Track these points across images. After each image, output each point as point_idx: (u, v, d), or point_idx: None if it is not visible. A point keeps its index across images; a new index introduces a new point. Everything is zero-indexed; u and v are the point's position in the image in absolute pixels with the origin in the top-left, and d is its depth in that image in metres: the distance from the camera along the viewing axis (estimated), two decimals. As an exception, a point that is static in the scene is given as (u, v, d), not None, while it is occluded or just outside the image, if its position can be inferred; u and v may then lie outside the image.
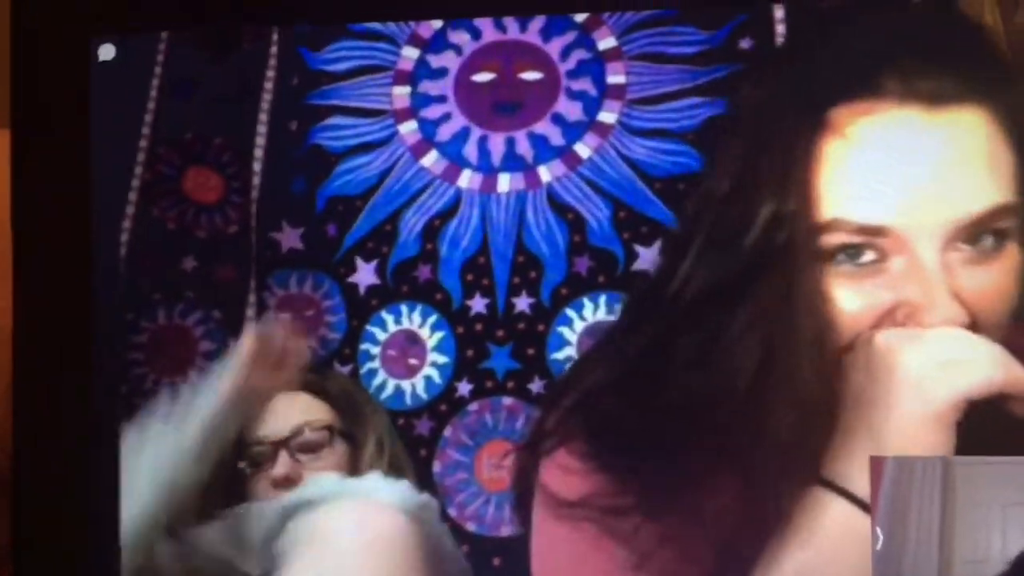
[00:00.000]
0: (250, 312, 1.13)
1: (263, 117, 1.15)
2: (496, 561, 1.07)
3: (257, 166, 1.14)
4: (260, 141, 1.15)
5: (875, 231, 0.79)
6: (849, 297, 0.81)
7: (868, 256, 0.79)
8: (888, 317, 0.80)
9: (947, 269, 0.78)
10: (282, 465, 1.09)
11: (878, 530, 0.95)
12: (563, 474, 0.91)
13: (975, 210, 0.78)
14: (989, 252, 0.79)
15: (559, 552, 0.92)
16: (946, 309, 0.78)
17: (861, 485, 0.83)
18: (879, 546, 0.95)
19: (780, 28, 1.08)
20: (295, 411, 1.12)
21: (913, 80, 0.78)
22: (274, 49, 1.15)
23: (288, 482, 1.09)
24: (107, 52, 1.14)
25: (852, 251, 0.80)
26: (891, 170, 0.78)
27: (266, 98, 1.15)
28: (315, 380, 1.12)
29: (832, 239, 0.81)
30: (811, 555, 0.82)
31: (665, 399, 0.87)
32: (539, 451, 0.95)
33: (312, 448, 1.10)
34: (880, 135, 0.78)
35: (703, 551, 0.85)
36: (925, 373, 0.77)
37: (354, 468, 1.10)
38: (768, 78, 0.91)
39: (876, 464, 0.95)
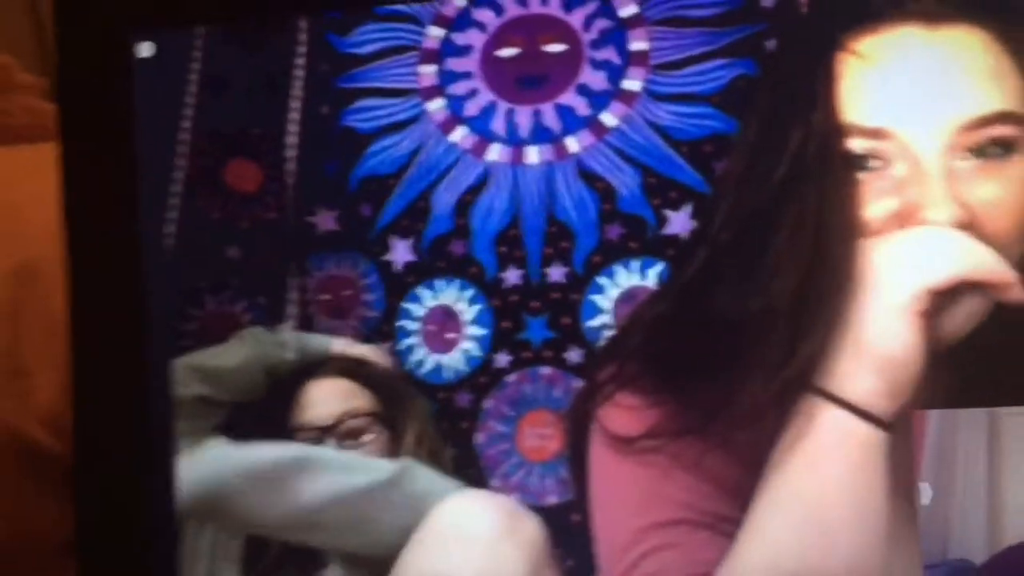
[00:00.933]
0: (292, 295, 1.16)
1: (295, 104, 1.17)
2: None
3: (291, 152, 1.17)
4: (293, 128, 1.17)
5: (878, 133, 0.83)
6: (863, 207, 0.83)
7: (873, 163, 0.82)
8: (894, 222, 0.82)
9: (950, 174, 0.81)
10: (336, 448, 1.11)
11: (926, 485, 0.94)
12: (624, 412, 0.93)
13: (977, 113, 0.82)
14: (995, 162, 0.81)
15: (628, 489, 0.93)
16: (944, 208, 0.80)
17: (849, 388, 0.83)
18: (927, 501, 0.94)
19: (802, -19, 1.07)
20: (338, 398, 1.14)
21: (908, 3, 0.82)
22: (303, 37, 1.17)
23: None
24: (146, 50, 1.18)
25: (860, 160, 0.83)
26: (896, 80, 0.83)
27: (297, 85, 1.17)
28: (355, 365, 1.14)
29: (848, 145, 0.84)
30: (808, 462, 0.83)
31: (713, 320, 0.90)
32: (597, 400, 0.97)
33: (356, 435, 1.12)
34: (886, 51, 0.84)
35: (749, 469, 0.87)
36: (889, 268, 0.79)
37: (393, 455, 1.12)
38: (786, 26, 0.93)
39: (918, 418, 0.94)
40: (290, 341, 1.13)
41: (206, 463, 1.08)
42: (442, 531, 1.00)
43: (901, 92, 0.83)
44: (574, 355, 1.09)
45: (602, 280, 1.10)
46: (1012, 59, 0.83)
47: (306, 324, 1.16)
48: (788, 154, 0.87)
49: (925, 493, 0.94)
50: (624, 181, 1.10)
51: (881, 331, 0.81)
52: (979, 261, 0.80)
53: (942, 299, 0.80)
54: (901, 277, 0.80)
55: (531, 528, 1.00)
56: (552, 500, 1.08)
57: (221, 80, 1.18)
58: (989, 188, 0.81)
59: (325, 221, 1.16)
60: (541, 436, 1.10)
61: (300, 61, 1.18)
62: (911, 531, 0.91)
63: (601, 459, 0.95)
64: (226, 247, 1.18)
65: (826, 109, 0.86)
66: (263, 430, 1.13)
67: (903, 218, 0.82)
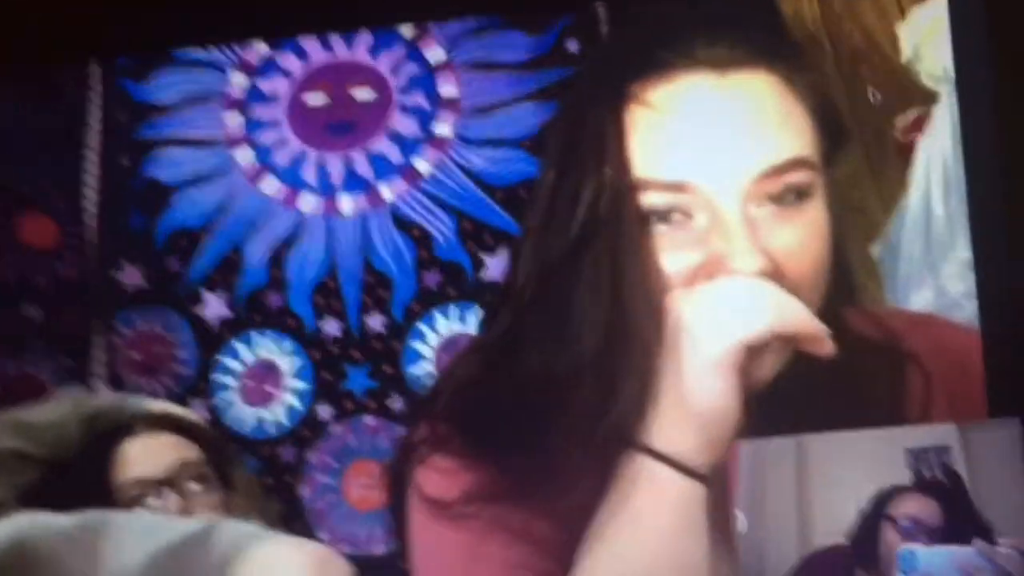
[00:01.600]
0: (99, 354, 1.11)
1: (91, 156, 1.12)
2: (372, 580, 1.08)
3: (90, 206, 1.12)
4: (91, 181, 1.12)
5: (678, 187, 0.83)
6: (665, 260, 0.84)
7: (675, 216, 0.83)
8: (700, 273, 0.84)
9: (749, 222, 0.81)
10: (173, 503, 1.08)
11: (740, 514, 0.98)
12: (440, 476, 0.91)
13: (773, 162, 0.83)
14: (791, 209, 0.84)
15: (447, 553, 0.93)
16: (747, 257, 0.81)
17: (669, 444, 0.86)
18: (744, 529, 0.99)
19: (605, 29, 1.09)
20: (167, 451, 1.10)
21: (697, 51, 0.83)
22: (97, 84, 1.12)
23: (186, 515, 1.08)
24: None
25: (662, 214, 0.84)
26: (689, 131, 0.81)
27: (93, 136, 1.12)
28: (178, 420, 1.11)
29: (643, 200, 0.85)
30: (631, 518, 0.85)
31: (523, 381, 0.90)
32: (412, 461, 0.96)
33: (196, 483, 1.09)
34: (678, 101, 0.80)
35: (570, 530, 0.88)
36: (702, 323, 0.81)
37: (229, 511, 1.10)
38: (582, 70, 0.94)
39: (732, 448, 0.98)
40: (107, 399, 1.09)
41: (13, 526, 1.03)
42: None
43: (697, 144, 0.83)
44: (397, 403, 1.10)
45: (422, 327, 1.10)
46: (799, 101, 0.86)
47: (116, 383, 1.12)
48: (581, 209, 0.87)
49: (741, 521, 0.98)
50: (439, 228, 1.10)
51: (698, 387, 0.82)
52: (791, 315, 0.83)
53: (755, 352, 0.83)
54: (716, 332, 0.81)
55: (342, 574, 0.99)
56: (380, 550, 1.09)
57: (5, 131, 1.12)
58: (788, 234, 0.84)
59: (131, 276, 1.12)
60: (367, 486, 1.10)
61: (95, 110, 1.12)
62: (730, 563, 0.95)
63: (419, 520, 0.94)
64: (24, 306, 1.11)
65: (617, 163, 0.85)
66: (81, 490, 1.08)
67: (709, 269, 0.83)
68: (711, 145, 0.85)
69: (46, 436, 1.08)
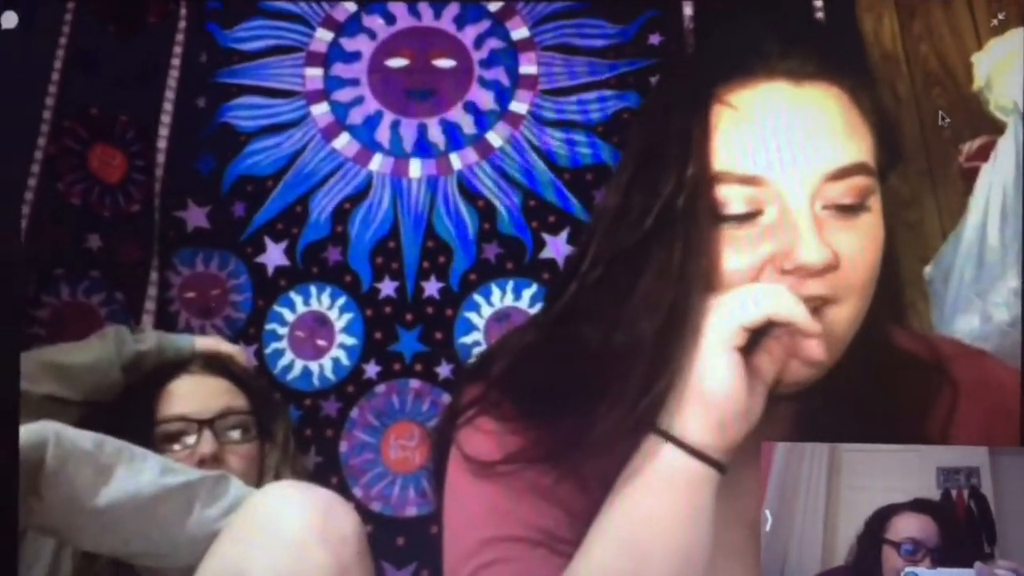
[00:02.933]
0: (151, 291, 1.12)
1: (169, 95, 1.13)
2: (400, 541, 1.09)
3: (162, 143, 1.13)
4: (166, 119, 1.13)
5: (752, 180, 0.87)
6: (732, 256, 0.88)
7: (748, 210, 0.87)
8: (769, 264, 0.87)
9: (816, 218, 0.87)
10: (208, 444, 1.08)
11: (767, 512, 1.00)
12: (483, 437, 0.95)
13: (839, 164, 0.88)
14: (852, 216, 0.88)
15: (475, 507, 0.95)
16: (813, 248, 0.86)
17: (680, 427, 0.89)
18: (767, 527, 1.00)
19: (690, 25, 1.11)
20: (214, 394, 1.10)
21: (774, 61, 0.86)
22: (182, 24, 1.13)
23: (215, 461, 1.08)
24: (9, 20, 1.11)
25: (736, 207, 0.88)
26: (765, 131, 0.87)
27: (173, 75, 1.13)
28: (228, 364, 1.11)
29: (718, 191, 0.89)
30: (639, 494, 0.88)
31: (578, 353, 0.94)
32: (458, 421, 0.98)
33: (236, 431, 1.10)
34: (757, 104, 0.87)
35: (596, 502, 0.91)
36: (711, 315, 0.85)
37: (262, 461, 1.10)
38: (667, 69, 0.98)
39: (766, 449, 1.00)
40: (152, 338, 1.09)
41: (41, 429, 1.04)
42: (253, 524, 0.98)
43: (771, 143, 0.89)
44: (445, 370, 1.11)
45: (477, 298, 1.11)
46: (863, 115, 0.92)
47: (167, 320, 1.12)
48: (660, 200, 0.92)
49: (766, 520, 1.00)
50: (504, 202, 1.12)
51: (704, 369, 0.86)
52: (787, 306, 0.88)
53: (755, 336, 0.86)
54: (719, 319, 0.86)
55: (344, 523, 0.99)
56: (412, 512, 1.09)
57: (90, 59, 1.13)
58: (849, 238, 0.88)
59: (195, 217, 1.13)
60: (405, 448, 1.10)
61: (177, 50, 1.13)
62: (751, 558, 0.96)
63: (456, 478, 0.96)
64: (87, 235, 1.12)
65: (699, 159, 0.90)
66: (122, 423, 1.09)
67: (778, 261, 0.87)
68: (784, 145, 0.91)
69: (86, 380, 1.08)
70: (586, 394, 0.92)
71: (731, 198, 0.89)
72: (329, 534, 0.95)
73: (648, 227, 0.92)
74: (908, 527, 0.98)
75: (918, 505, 0.99)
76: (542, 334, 1.00)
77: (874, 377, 0.86)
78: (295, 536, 0.95)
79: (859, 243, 0.89)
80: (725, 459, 0.87)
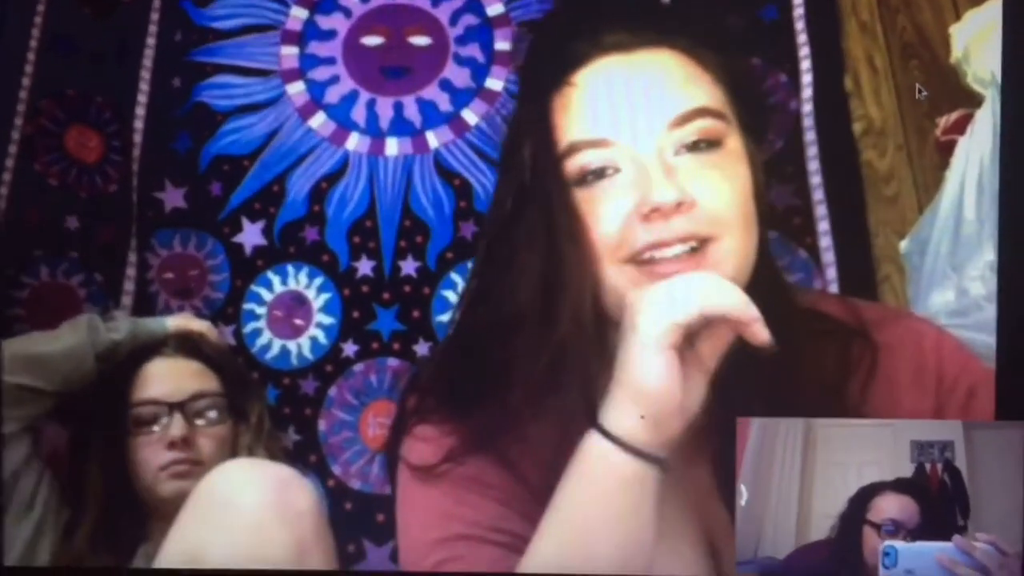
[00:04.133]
0: (130, 272, 1.12)
1: (145, 74, 1.13)
2: (380, 517, 1.10)
3: (139, 124, 1.13)
4: (142, 99, 1.13)
5: (601, 143, 0.93)
6: (605, 217, 0.92)
7: (607, 170, 0.92)
8: (636, 217, 0.91)
9: (665, 165, 0.93)
10: (178, 427, 1.10)
11: (742, 487, 1.01)
12: (424, 444, 1.00)
13: (678, 111, 0.94)
14: (705, 155, 0.93)
15: (425, 512, 0.98)
16: (665, 191, 0.91)
17: (615, 423, 0.90)
18: (743, 502, 1.01)
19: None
20: (186, 376, 1.12)
21: (605, 39, 0.96)
22: (156, 3, 1.13)
23: (185, 444, 1.09)
24: (-17, 1, 1.11)
25: (597, 172, 0.92)
26: (608, 99, 0.95)
27: (148, 55, 1.13)
28: (199, 345, 1.13)
29: (574, 161, 0.94)
30: (579, 488, 0.90)
31: (479, 336, 0.99)
32: (402, 433, 1.02)
33: (208, 413, 1.11)
34: (595, 78, 0.95)
35: (534, 491, 0.94)
36: (644, 310, 0.87)
37: (235, 442, 1.12)
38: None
39: (742, 425, 1.01)
40: (125, 326, 1.10)
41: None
42: (211, 500, 1.00)
43: (613, 106, 0.94)
44: (423, 348, 1.11)
45: (455, 276, 1.12)
46: (702, 70, 0.96)
47: (146, 301, 1.13)
48: (514, 181, 0.97)
49: (741, 495, 1.01)
50: (481, 180, 1.12)
51: (638, 367, 0.88)
52: (718, 298, 0.90)
53: (690, 333, 0.89)
54: (653, 316, 0.88)
55: (301, 499, 1.01)
56: (391, 489, 1.10)
57: (65, 40, 1.13)
58: (705, 176, 0.93)
59: (172, 197, 1.13)
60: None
61: (152, 28, 1.13)
62: (723, 533, 0.98)
63: (405, 487, 1.00)
64: (65, 216, 1.13)
65: (540, 139, 0.96)
66: (96, 409, 1.10)
67: (640, 209, 0.91)
68: (625, 105, 0.96)
69: (59, 370, 1.09)
70: (497, 378, 0.96)
71: (591, 163, 0.94)
72: (286, 510, 0.97)
73: (509, 207, 0.98)
74: (889, 508, 1.00)
75: (900, 485, 1.00)
76: (455, 330, 1.06)
77: (785, 343, 0.88)
78: (252, 514, 0.96)
79: (716, 179, 0.94)
80: (663, 454, 0.90)
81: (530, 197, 0.96)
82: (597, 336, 0.93)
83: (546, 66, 0.99)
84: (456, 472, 0.96)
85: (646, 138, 0.93)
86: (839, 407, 0.98)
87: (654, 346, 0.88)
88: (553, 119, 0.95)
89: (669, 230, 0.92)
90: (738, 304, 0.89)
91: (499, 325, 0.96)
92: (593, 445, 0.90)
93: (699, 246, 0.91)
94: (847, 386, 0.97)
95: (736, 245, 0.92)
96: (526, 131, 0.97)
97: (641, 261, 0.91)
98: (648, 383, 0.88)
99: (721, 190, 0.93)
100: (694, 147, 0.93)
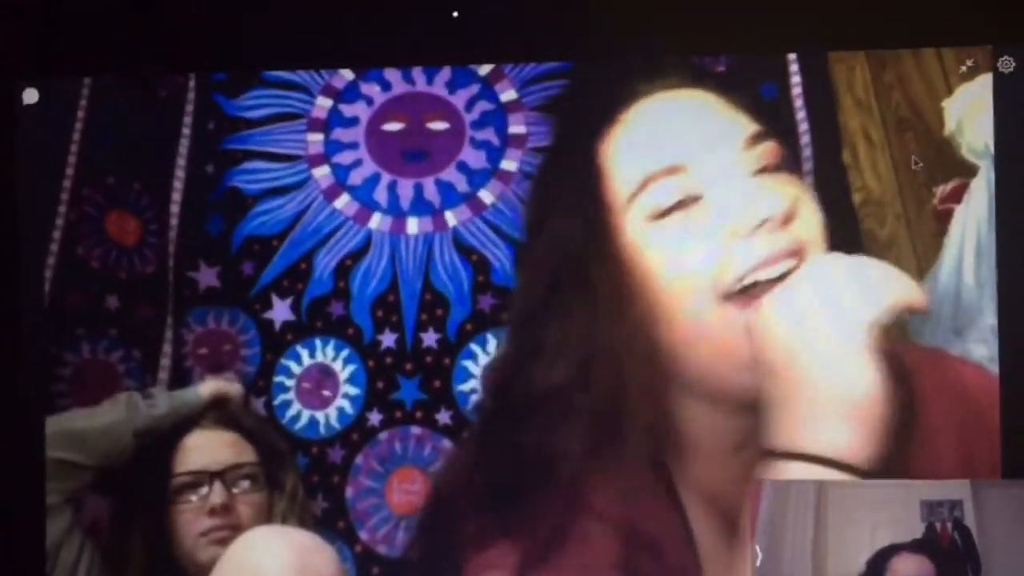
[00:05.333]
0: (167, 348, 1.18)
1: (180, 162, 1.20)
2: (405, 582, 1.14)
3: (174, 208, 1.19)
4: (177, 184, 1.20)
5: (678, 170, 0.93)
6: (695, 251, 0.92)
7: (686, 200, 0.91)
8: (735, 239, 0.89)
9: (752, 182, 0.91)
10: (218, 495, 1.14)
11: (757, 548, 1.03)
12: (489, 572, 0.98)
13: (746, 133, 0.96)
14: (775, 174, 0.96)
15: None
16: (768, 199, 0.89)
17: (832, 446, 0.86)
18: (758, 563, 1.03)
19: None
20: (223, 448, 1.17)
21: (639, 84, 0.98)
22: (191, 95, 1.20)
23: (225, 511, 1.14)
24: (31, 96, 1.19)
25: (674, 206, 0.93)
26: (669, 129, 0.97)
27: (183, 143, 1.20)
28: (235, 417, 1.18)
29: (645, 199, 0.93)
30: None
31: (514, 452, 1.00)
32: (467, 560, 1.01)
33: (245, 482, 1.16)
34: (648, 111, 0.97)
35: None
36: (819, 316, 0.84)
37: (270, 510, 1.16)
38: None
39: (754, 487, 1.03)
40: (164, 401, 1.16)
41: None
42: (237, 566, 1.04)
43: (677, 134, 0.96)
44: (444, 416, 1.16)
45: (474, 347, 1.16)
46: (735, 105, 0.99)
47: (182, 376, 1.19)
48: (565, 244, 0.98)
49: (756, 556, 1.03)
50: (497, 255, 1.17)
51: (842, 377, 0.83)
52: (904, 289, 0.87)
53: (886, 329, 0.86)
54: (840, 324, 0.83)
55: (322, 564, 1.04)
56: (418, 554, 1.14)
57: (106, 131, 1.20)
58: (789, 192, 0.93)
59: (206, 277, 1.19)
60: (408, 492, 1.15)
61: (187, 119, 1.20)
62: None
63: None
64: (105, 296, 1.19)
65: (597, 184, 0.97)
66: (138, 480, 1.15)
67: (741, 229, 0.89)
68: (691, 132, 0.97)
69: (98, 445, 1.15)
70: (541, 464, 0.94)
71: (662, 199, 0.92)
72: (308, 572, 1.00)
73: (541, 290, 1.00)
74: (907, 569, 1.02)
75: (916, 546, 1.02)
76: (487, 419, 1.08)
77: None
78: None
79: (794, 195, 0.93)
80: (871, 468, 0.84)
81: (573, 270, 0.97)
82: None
83: (586, 114, 1.01)
84: None
85: (724, 160, 0.94)
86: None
87: (855, 353, 0.84)
88: (601, 166, 0.96)
89: (776, 243, 0.91)
90: (916, 291, 0.87)
91: (535, 403, 0.95)
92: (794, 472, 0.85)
93: (797, 264, 0.91)
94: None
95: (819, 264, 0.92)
96: (565, 195, 0.99)
97: (742, 289, 0.90)
98: (857, 392, 0.84)
99: (808, 208, 0.93)
100: (764, 170, 0.95)
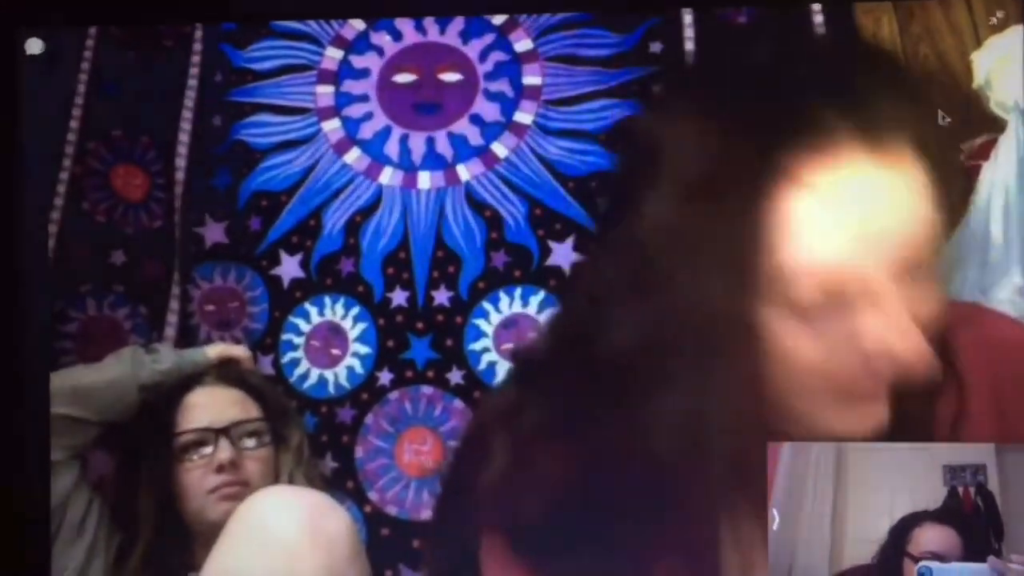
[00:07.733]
0: (173, 304, 1.16)
1: (186, 114, 1.17)
2: (416, 543, 1.12)
3: (180, 162, 1.17)
4: (184, 138, 1.17)
5: (835, 269, 0.73)
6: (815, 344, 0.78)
7: (826, 301, 0.74)
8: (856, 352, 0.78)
9: (904, 298, 0.76)
10: (225, 451, 1.12)
11: (774, 511, 1.01)
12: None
13: (919, 241, 0.74)
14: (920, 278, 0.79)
15: None
16: (913, 336, 0.75)
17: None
18: (775, 526, 1.01)
19: (689, 32, 1.13)
20: (228, 404, 1.14)
21: (861, 124, 0.70)
22: (198, 47, 1.18)
23: (233, 467, 1.12)
24: (35, 46, 1.16)
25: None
26: (851, 216, 0.71)
27: (190, 95, 1.18)
28: (240, 374, 1.16)
29: (804, 290, 0.73)
30: None
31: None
32: None
33: (251, 438, 1.14)
34: (841, 185, 0.71)
35: None
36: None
37: (277, 467, 1.15)
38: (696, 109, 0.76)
39: (772, 450, 1.01)
40: (169, 357, 1.14)
41: None
42: (247, 526, 1.02)
43: (860, 230, 0.70)
44: (456, 376, 1.14)
45: (486, 305, 1.14)
46: (926, 164, 0.71)
47: (188, 333, 1.17)
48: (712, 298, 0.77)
49: (773, 519, 1.01)
50: (511, 211, 1.15)
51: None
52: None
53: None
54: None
55: (335, 524, 1.02)
56: (427, 515, 1.12)
57: (111, 83, 1.18)
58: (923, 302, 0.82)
59: (213, 233, 1.17)
60: (419, 452, 1.13)
61: (193, 71, 1.18)
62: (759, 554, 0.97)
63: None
64: (111, 251, 1.17)
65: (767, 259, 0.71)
66: (142, 437, 1.13)
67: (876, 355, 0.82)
68: (870, 229, 0.71)
69: (103, 400, 1.13)
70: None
71: (810, 289, 0.73)
72: (320, 536, 0.98)
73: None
74: (930, 540, 0.99)
75: (942, 515, 0.99)
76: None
77: None
78: (287, 539, 0.98)
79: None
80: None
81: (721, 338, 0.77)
82: None
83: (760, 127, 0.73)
84: None
85: (885, 263, 0.83)
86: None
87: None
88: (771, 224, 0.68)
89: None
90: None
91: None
92: None
93: None
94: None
95: None
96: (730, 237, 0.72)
97: None
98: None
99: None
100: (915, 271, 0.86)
